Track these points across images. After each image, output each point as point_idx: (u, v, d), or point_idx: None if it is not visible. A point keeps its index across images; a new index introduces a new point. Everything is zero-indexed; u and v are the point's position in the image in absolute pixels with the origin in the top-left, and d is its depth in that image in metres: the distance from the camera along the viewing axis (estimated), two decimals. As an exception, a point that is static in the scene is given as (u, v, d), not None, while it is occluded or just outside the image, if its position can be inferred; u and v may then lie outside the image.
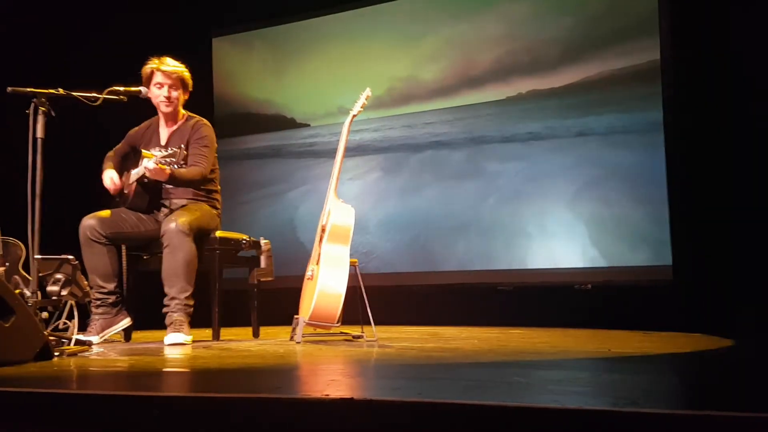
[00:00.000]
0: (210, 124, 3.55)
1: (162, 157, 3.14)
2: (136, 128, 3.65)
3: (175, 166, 3.15)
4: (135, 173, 3.37)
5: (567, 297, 4.26)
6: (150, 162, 3.16)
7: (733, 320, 3.82)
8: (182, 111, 3.55)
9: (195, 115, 3.57)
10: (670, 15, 4.19)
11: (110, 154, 3.59)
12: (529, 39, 4.59)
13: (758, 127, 3.89)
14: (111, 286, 3.31)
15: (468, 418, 1.36)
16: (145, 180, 3.32)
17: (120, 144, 3.63)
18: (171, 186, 3.41)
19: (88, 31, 5.12)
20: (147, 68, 3.45)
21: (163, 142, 3.51)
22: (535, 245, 4.41)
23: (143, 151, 3.39)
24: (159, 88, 3.43)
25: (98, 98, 3.12)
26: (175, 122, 3.53)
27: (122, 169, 3.55)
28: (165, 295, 3.22)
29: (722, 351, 2.79)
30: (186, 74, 3.48)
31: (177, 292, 3.18)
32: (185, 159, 3.20)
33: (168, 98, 3.43)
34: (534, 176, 4.48)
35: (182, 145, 3.22)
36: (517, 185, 4.51)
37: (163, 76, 3.41)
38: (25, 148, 2.87)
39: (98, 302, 3.30)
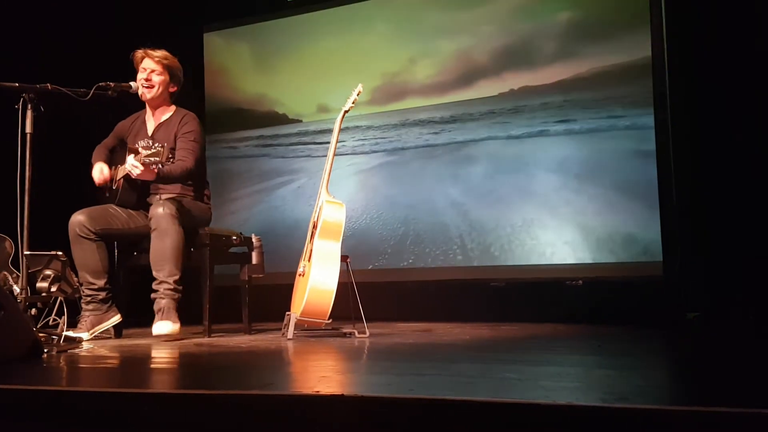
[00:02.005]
0: (198, 119, 3.53)
1: (145, 156, 3.12)
2: (124, 121, 3.64)
3: (160, 165, 3.13)
4: (122, 169, 3.35)
5: (558, 293, 4.28)
6: (133, 168, 3.13)
7: (723, 316, 3.84)
8: (171, 104, 3.54)
9: (184, 110, 3.56)
10: (661, 10, 4.20)
11: (99, 147, 3.58)
12: (522, 35, 4.59)
13: (750, 124, 3.91)
14: (101, 283, 3.29)
15: (459, 414, 1.36)
16: (133, 177, 3.30)
17: (108, 137, 3.61)
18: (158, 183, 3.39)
19: (78, 26, 5.08)
20: (136, 54, 3.47)
21: (150, 133, 3.49)
22: (527, 241, 4.42)
23: (129, 146, 3.38)
24: (142, 72, 3.43)
25: (88, 93, 3.10)
26: (163, 113, 3.51)
27: (111, 162, 3.53)
28: (153, 281, 3.21)
29: (712, 347, 2.81)
30: (173, 63, 3.47)
31: (165, 275, 3.17)
32: (171, 154, 3.19)
33: (148, 80, 3.41)
34: (526, 172, 4.48)
35: (165, 144, 3.21)
36: (509, 181, 4.52)
37: (149, 61, 3.42)
38: (13, 144, 2.85)
39: (88, 299, 3.28)
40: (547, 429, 1.30)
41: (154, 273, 3.20)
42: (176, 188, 3.44)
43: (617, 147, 4.24)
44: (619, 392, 1.57)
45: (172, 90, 3.50)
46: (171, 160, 3.26)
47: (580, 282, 4.22)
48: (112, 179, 3.47)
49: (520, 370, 2.05)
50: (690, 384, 1.81)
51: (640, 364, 2.26)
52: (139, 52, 3.47)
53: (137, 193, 3.42)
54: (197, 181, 3.50)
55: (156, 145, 3.24)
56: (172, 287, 3.17)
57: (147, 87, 3.42)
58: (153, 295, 3.20)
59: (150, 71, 3.42)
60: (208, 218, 3.54)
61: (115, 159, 3.53)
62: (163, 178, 3.28)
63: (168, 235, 3.16)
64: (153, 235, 3.19)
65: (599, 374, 1.96)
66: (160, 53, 3.46)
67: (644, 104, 4.18)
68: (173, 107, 3.54)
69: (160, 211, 3.18)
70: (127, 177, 3.32)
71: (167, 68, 3.45)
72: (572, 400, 1.42)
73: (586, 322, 3.81)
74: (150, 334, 3.20)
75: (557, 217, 4.35)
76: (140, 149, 3.20)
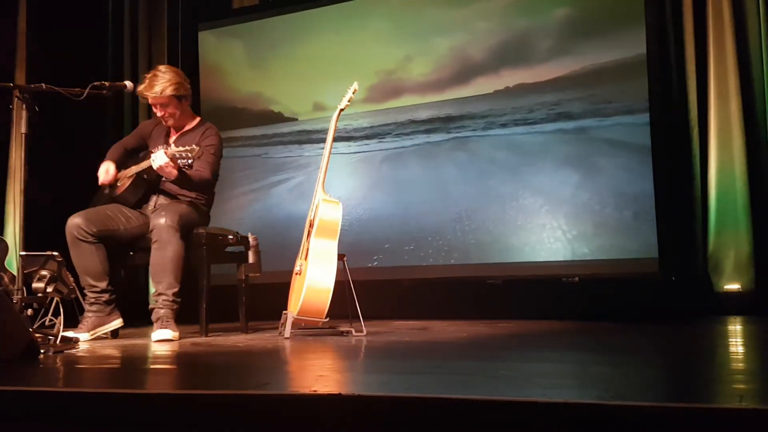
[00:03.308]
0: (219, 133, 3.52)
1: (177, 151, 3.10)
2: (149, 121, 3.62)
3: (189, 161, 3.12)
4: (137, 166, 3.34)
5: (555, 290, 4.28)
6: (161, 156, 3.10)
7: (718, 313, 3.85)
8: (193, 114, 3.53)
9: (207, 122, 3.56)
10: (656, 8, 4.20)
11: (117, 145, 3.56)
12: (518, 32, 4.59)
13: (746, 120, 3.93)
14: (103, 285, 3.28)
15: (456, 412, 1.36)
16: (145, 177, 3.28)
17: (129, 136, 3.60)
18: (169, 183, 3.35)
19: (73, 25, 5.07)
20: (138, 90, 3.38)
21: (170, 142, 3.48)
22: (524, 238, 4.42)
23: (151, 150, 3.37)
24: (154, 108, 3.43)
25: (82, 93, 3.09)
26: (185, 124, 3.50)
27: (124, 165, 3.50)
28: (152, 290, 3.21)
29: (707, 343, 2.82)
30: (173, 87, 3.33)
31: (165, 288, 3.17)
32: (198, 157, 3.16)
33: (163, 117, 3.43)
34: (522, 169, 4.48)
35: (202, 144, 3.18)
36: (505, 178, 4.52)
37: (151, 100, 3.39)
38: (7, 144, 2.85)
39: (92, 299, 3.27)
40: (544, 427, 1.31)
41: (154, 285, 3.20)
42: (181, 192, 3.42)
43: (613, 144, 4.24)
44: (615, 390, 1.57)
45: (186, 104, 3.48)
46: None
47: (577, 279, 4.23)
48: (115, 181, 3.45)
49: (516, 367, 2.05)
50: (686, 381, 1.82)
51: (637, 361, 2.26)
52: (140, 94, 3.37)
53: (141, 193, 3.40)
54: (206, 191, 3.49)
55: (186, 144, 3.21)
56: (170, 299, 3.18)
57: (167, 120, 3.42)
58: (151, 306, 3.21)
59: (159, 107, 3.38)
60: (205, 223, 3.53)
61: (128, 163, 3.51)
62: (182, 181, 3.25)
63: (168, 246, 3.16)
64: (153, 247, 3.19)
65: (596, 372, 1.96)
66: (153, 94, 3.32)
67: (640, 101, 4.19)
68: (197, 118, 3.54)
69: (162, 222, 3.17)
70: (140, 174, 3.30)
71: (170, 99, 3.39)
72: (569, 397, 1.42)
73: (583, 319, 3.81)
74: (147, 335, 3.20)
75: (552, 213, 4.35)
76: (172, 144, 3.18)
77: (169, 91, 3.34)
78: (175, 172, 3.16)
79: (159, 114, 3.42)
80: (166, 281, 3.17)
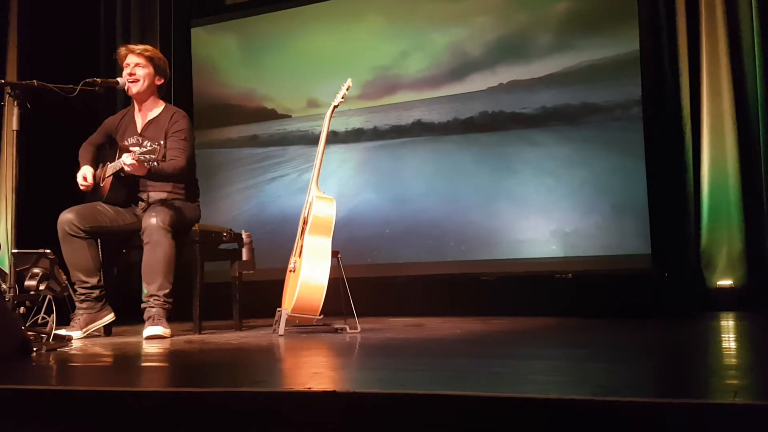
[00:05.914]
0: (188, 116, 3.51)
1: (140, 153, 3.09)
2: (112, 117, 3.61)
3: (155, 163, 3.11)
4: (112, 167, 3.32)
5: (548, 286, 4.29)
6: (128, 158, 3.11)
7: (711, 308, 3.87)
8: (160, 100, 3.50)
9: (173, 107, 3.53)
10: (649, 4, 4.21)
11: (85, 144, 3.54)
12: (515, 26, 4.59)
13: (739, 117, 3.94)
14: (94, 281, 3.27)
15: (450, 409, 1.36)
16: (122, 174, 3.28)
17: (95, 134, 3.58)
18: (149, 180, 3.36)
19: (65, 22, 5.04)
20: (119, 52, 3.47)
21: (139, 130, 3.46)
22: (517, 235, 4.43)
23: (120, 145, 3.35)
24: (127, 67, 3.41)
25: (74, 90, 3.08)
26: (152, 110, 3.48)
27: (98, 160, 3.50)
28: (144, 291, 3.20)
29: (700, 339, 2.83)
30: (156, 54, 3.46)
31: (156, 289, 3.16)
32: (164, 156, 3.15)
33: (132, 74, 3.38)
34: (515, 166, 4.49)
35: (161, 142, 3.18)
36: (499, 175, 4.52)
37: (132, 56, 3.40)
38: (-1, 141, 2.83)
39: (82, 297, 3.26)
40: (539, 423, 1.31)
41: (145, 286, 3.19)
42: (165, 187, 3.41)
43: (606, 140, 4.25)
44: (609, 386, 1.57)
45: (158, 83, 3.46)
46: (163, 160, 3.23)
47: (570, 275, 4.24)
48: (98, 180, 3.43)
49: (511, 364, 2.06)
50: (679, 376, 1.82)
51: (630, 357, 2.27)
52: (122, 49, 3.47)
53: (126, 191, 3.39)
54: (187, 180, 3.48)
55: (154, 144, 3.20)
56: (162, 300, 3.17)
57: (132, 81, 3.39)
58: (143, 305, 3.20)
59: (134, 65, 3.40)
60: (197, 217, 3.52)
61: (103, 156, 3.50)
62: (155, 175, 3.25)
63: (159, 247, 3.15)
64: (145, 248, 3.18)
65: (590, 368, 1.97)
66: (141, 46, 3.47)
67: (633, 98, 4.19)
68: (162, 103, 3.51)
69: (153, 222, 3.15)
70: (116, 174, 3.29)
71: (150, 60, 3.42)
72: (563, 393, 1.43)
73: (576, 315, 3.82)
74: (140, 332, 3.19)
75: (546, 210, 4.36)
76: (136, 148, 3.18)
77: (152, 54, 3.43)
78: (143, 171, 3.15)
79: (128, 73, 3.38)
80: (157, 282, 3.16)
